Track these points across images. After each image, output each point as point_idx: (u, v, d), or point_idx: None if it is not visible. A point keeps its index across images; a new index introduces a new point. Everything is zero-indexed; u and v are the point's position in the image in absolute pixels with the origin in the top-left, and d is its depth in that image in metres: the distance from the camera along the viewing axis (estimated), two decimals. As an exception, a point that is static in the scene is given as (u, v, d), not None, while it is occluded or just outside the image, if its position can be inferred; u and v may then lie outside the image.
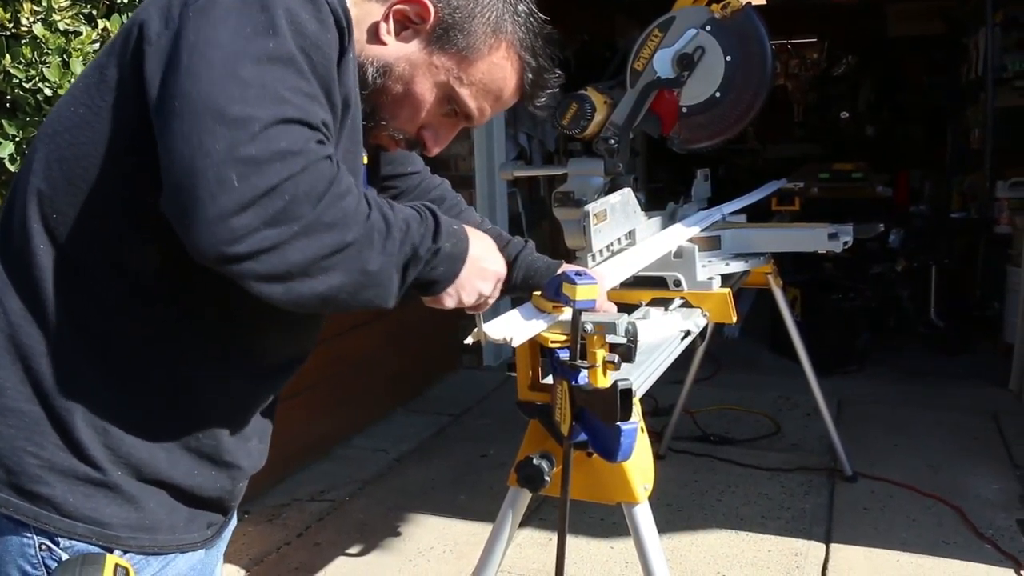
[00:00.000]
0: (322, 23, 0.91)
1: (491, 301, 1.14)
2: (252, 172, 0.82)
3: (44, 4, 1.80)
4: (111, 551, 0.99)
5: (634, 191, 1.87)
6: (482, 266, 1.09)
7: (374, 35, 1.07)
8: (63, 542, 0.98)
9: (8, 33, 1.81)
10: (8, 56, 1.78)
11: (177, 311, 1.00)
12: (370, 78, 1.07)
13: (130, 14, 1.91)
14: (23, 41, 1.80)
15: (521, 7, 1.12)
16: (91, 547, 0.98)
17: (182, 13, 0.88)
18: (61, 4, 1.82)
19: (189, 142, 0.82)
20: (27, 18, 1.79)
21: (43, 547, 0.98)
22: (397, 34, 1.08)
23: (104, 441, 0.98)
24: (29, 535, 0.98)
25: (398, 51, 1.08)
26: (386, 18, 1.07)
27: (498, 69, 1.11)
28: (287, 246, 0.84)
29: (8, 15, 1.79)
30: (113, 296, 0.97)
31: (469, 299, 1.09)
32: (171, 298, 0.99)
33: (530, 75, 1.14)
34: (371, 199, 0.94)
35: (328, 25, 0.92)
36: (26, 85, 1.79)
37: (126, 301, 0.98)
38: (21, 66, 1.78)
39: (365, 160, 1.17)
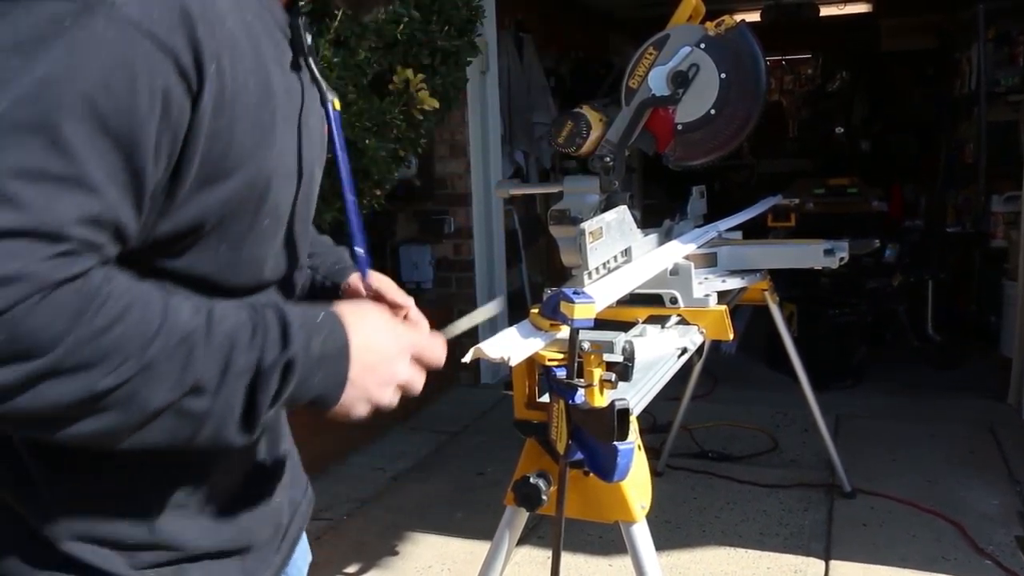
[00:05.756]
0: (137, 44, 0.65)
1: (415, 386, 0.91)
2: None
3: None
4: None
5: (630, 208, 1.88)
6: (371, 359, 0.84)
7: None
8: None
9: None
10: None
11: None
12: None
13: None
14: None
15: None
16: None
17: None
18: None
19: None
20: None
21: None
22: None
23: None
24: None
25: None
26: None
27: None
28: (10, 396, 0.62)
29: None
30: None
31: (385, 397, 0.86)
32: None
33: None
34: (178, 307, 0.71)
35: (160, 43, 0.66)
36: None
37: None
38: None
39: (337, 105, 0.96)
